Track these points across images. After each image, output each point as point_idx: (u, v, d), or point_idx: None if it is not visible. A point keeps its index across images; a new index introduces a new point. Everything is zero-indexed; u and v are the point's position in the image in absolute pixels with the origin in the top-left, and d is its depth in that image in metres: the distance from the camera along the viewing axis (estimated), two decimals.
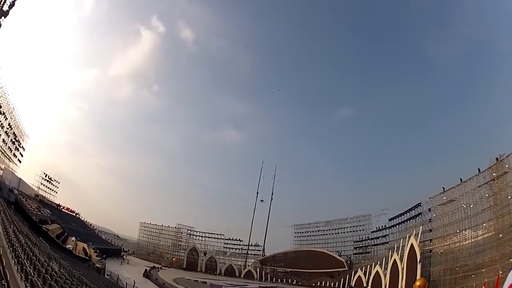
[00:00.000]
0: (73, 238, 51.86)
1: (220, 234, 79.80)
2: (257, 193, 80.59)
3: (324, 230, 73.50)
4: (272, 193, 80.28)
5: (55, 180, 78.52)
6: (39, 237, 29.04)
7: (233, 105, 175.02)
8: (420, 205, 50.51)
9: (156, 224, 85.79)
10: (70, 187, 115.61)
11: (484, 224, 36.80)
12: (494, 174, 35.74)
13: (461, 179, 41.29)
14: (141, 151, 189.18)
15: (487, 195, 36.88)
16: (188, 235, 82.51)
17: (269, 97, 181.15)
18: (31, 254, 13.55)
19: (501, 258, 31.14)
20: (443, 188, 44.75)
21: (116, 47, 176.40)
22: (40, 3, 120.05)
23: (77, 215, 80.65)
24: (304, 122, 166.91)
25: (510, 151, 33.59)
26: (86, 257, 42.11)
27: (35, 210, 51.27)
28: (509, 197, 33.19)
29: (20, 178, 61.49)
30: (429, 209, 47.82)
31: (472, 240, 38.13)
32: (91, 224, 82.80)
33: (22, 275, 9.61)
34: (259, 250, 77.48)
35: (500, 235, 32.97)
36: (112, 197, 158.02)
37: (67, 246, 40.62)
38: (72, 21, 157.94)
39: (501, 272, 27.62)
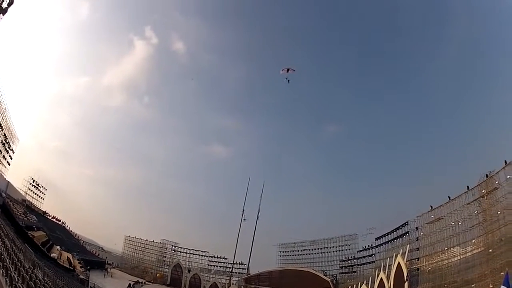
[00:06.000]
0: (58, 247, 50.48)
1: (204, 251, 78.60)
2: (243, 210, 76.88)
3: (309, 250, 72.67)
4: (259, 211, 76.92)
5: (42, 187, 76.78)
6: (25, 243, 28.24)
7: (221, 119, 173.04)
8: (408, 224, 50.20)
9: (141, 239, 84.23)
10: (56, 194, 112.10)
11: (473, 240, 36.90)
12: (483, 191, 36.05)
13: (449, 197, 41.50)
14: (129, 161, 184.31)
15: (476, 211, 37.17)
16: (173, 251, 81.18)
17: (257, 112, 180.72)
18: (16, 260, 13.20)
19: (492, 272, 31.16)
20: (431, 207, 44.74)
21: (109, 56, 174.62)
22: (35, 7, 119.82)
23: (63, 224, 78.77)
24: (292, 139, 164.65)
25: (499, 167, 34.18)
26: (70, 267, 41.09)
27: (22, 215, 49.93)
28: (498, 212, 33.48)
29: (9, 181, 59.78)
30: (417, 228, 47.62)
31: (461, 257, 38.04)
32: (76, 234, 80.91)
33: (7, 279, 9.35)
34: (244, 269, 75.88)
35: (490, 250, 33.10)
36: (97, 207, 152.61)
37: (51, 255, 39.63)
38: (67, 27, 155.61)
39: (491, 286, 27.72)
